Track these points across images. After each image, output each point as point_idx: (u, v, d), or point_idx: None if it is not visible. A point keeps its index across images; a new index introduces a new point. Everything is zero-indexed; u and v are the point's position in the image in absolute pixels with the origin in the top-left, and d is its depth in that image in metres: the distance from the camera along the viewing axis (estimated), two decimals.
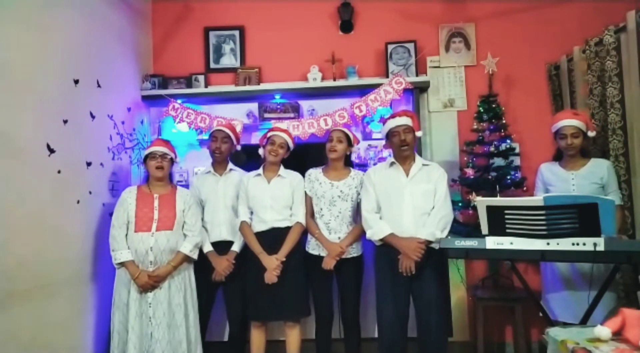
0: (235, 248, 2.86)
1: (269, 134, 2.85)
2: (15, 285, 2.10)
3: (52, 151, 2.39)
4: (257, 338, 2.82)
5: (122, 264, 2.55)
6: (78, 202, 2.60)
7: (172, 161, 2.76)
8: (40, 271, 2.26)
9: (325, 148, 2.81)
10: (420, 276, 2.51)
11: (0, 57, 2.08)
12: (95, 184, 2.78)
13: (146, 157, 2.70)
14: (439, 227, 2.49)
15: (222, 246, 2.87)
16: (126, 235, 2.58)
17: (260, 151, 2.90)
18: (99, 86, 2.89)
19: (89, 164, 2.74)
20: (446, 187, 2.59)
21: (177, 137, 3.55)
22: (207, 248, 2.84)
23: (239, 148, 3.09)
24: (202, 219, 2.88)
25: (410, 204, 2.54)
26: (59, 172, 2.44)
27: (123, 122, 3.19)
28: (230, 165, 3.01)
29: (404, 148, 2.58)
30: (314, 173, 2.87)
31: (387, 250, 2.55)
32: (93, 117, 2.81)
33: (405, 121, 2.60)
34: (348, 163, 2.92)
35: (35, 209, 2.25)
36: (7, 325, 2.04)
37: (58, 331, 2.39)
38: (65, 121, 2.52)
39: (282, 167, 2.86)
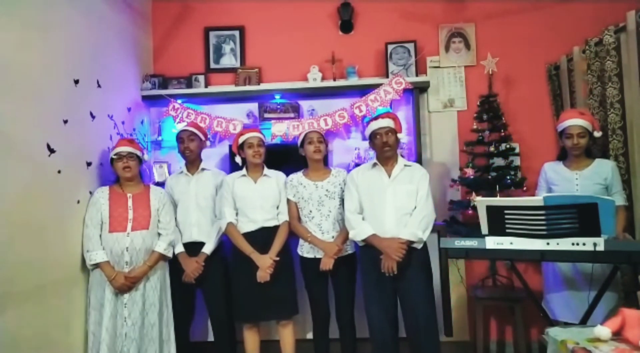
0: (206, 250, 2.83)
1: (242, 139, 2.81)
2: (15, 285, 2.09)
3: (52, 151, 2.39)
4: (251, 339, 2.82)
5: (96, 265, 2.51)
6: (78, 202, 2.60)
7: (139, 160, 2.74)
8: (40, 271, 2.26)
9: (306, 151, 2.81)
10: (404, 278, 2.51)
11: (0, 57, 2.08)
12: (96, 184, 2.78)
13: (112, 159, 2.68)
14: (421, 227, 2.50)
15: (193, 247, 2.85)
16: (100, 236, 2.55)
17: (238, 159, 2.88)
18: (99, 86, 2.89)
19: (89, 164, 2.74)
20: (428, 187, 2.59)
21: None
22: (179, 249, 2.83)
23: (208, 143, 3.11)
24: (175, 219, 2.87)
25: (392, 205, 2.55)
26: (59, 172, 2.44)
27: (123, 123, 3.19)
28: (203, 164, 2.99)
29: (386, 149, 2.61)
30: (295, 177, 2.86)
31: (371, 250, 2.56)
32: (93, 117, 2.81)
33: (387, 123, 2.62)
34: (325, 162, 2.94)
35: (35, 209, 2.25)
36: (7, 325, 2.04)
37: (58, 331, 2.39)
38: (65, 121, 2.52)
39: (265, 167, 2.86)
